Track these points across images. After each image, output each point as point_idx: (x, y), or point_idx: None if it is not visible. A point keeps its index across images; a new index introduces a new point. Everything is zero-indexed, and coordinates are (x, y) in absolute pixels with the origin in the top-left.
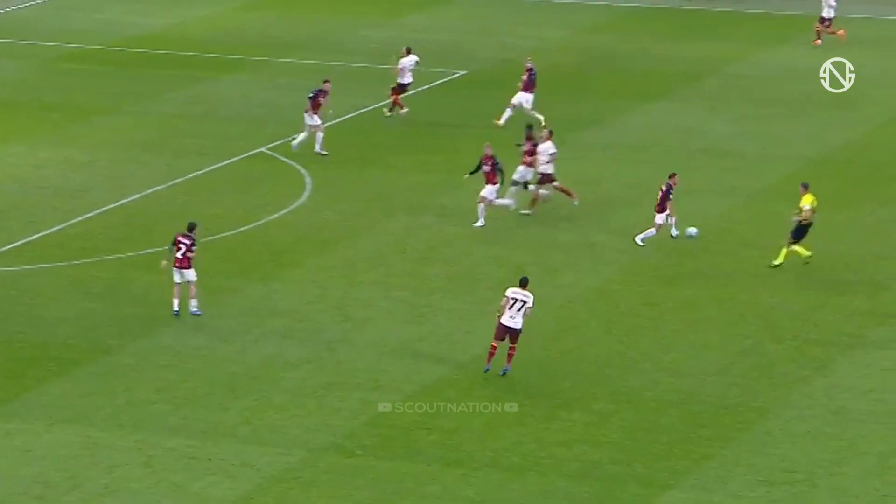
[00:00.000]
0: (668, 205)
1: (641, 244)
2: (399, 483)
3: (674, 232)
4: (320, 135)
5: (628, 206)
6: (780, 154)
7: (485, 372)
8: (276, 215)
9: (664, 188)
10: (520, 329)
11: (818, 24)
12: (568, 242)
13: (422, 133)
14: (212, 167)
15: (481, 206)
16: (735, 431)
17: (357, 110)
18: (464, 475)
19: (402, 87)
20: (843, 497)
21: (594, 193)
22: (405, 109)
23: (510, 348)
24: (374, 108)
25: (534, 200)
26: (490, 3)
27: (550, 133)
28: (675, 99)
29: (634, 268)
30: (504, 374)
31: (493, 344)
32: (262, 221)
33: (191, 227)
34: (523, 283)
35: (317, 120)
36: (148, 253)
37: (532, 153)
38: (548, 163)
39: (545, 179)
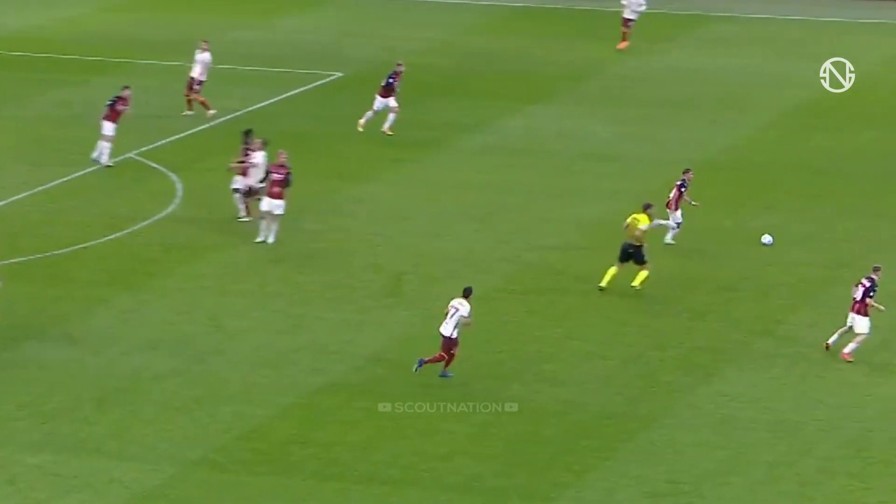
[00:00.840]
0: (679, 202)
1: (672, 242)
2: (274, 499)
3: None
4: (108, 145)
5: (509, 213)
6: (663, 158)
7: (441, 376)
8: (145, 223)
9: (678, 184)
10: (449, 336)
11: (624, 27)
12: (448, 250)
13: (298, 137)
14: (78, 173)
15: (264, 222)
16: (619, 442)
17: (228, 114)
18: (342, 490)
19: (199, 84)
20: None
21: (473, 200)
22: (191, 112)
23: (438, 354)
24: (245, 112)
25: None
26: (366, 4)
27: (264, 143)
28: (556, 102)
29: (515, 276)
30: (416, 370)
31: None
32: (131, 229)
33: None
34: (464, 293)
35: (111, 130)
36: (11, 263)
37: (244, 161)
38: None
39: (253, 192)
